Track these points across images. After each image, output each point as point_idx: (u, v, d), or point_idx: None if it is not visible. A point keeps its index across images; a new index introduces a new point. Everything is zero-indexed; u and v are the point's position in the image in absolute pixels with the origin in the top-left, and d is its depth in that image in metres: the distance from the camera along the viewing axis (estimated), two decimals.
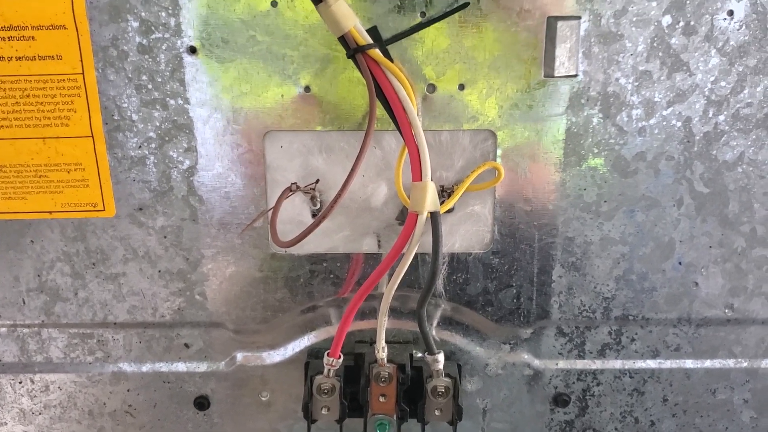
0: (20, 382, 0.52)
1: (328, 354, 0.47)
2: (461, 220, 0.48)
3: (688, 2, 0.43)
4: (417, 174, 0.42)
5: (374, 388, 0.48)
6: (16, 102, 0.45)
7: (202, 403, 0.52)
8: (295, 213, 0.47)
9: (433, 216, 0.42)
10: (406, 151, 0.42)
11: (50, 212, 0.47)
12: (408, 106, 0.41)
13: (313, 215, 0.48)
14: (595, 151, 0.46)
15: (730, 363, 0.52)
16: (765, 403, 0.53)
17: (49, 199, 0.47)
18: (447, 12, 0.42)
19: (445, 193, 0.46)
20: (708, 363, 0.52)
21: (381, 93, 0.42)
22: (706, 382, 0.53)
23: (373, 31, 0.43)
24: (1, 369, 0.52)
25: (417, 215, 0.42)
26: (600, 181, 0.47)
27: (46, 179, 0.46)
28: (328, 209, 0.41)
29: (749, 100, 0.45)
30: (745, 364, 0.52)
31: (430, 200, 0.42)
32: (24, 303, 0.50)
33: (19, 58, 0.44)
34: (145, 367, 0.52)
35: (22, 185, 0.47)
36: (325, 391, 0.48)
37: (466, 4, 0.41)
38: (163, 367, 0.52)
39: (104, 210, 0.47)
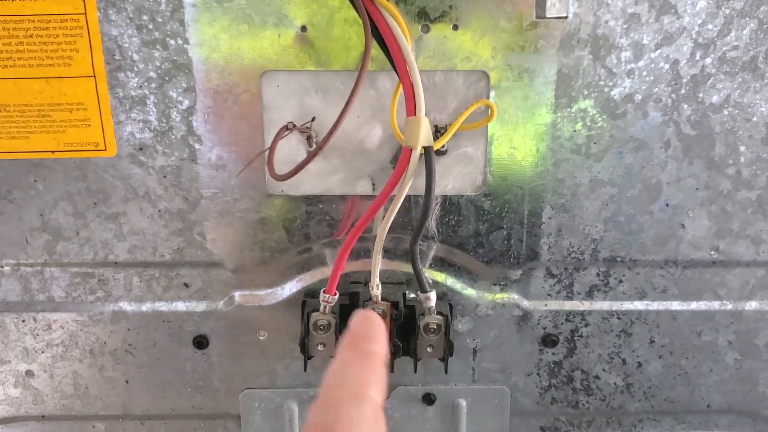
0: (23, 321, 0.53)
1: (323, 292, 0.48)
2: (454, 161, 0.49)
3: None
4: (411, 109, 0.43)
5: None
6: (20, 42, 0.45)
7: (200, 342, 0.53)
8: (291, 153, 0.48)
9: (427, 151, 0.43)
10: (401, 88, 0.43)
11: (53, 152, 0.48)
12: (402, 42, 0.42)
13: None
14: (585, 92, 0.47)
15: (716, 305, 0.53)
16: (748, 346, 0.54)
17: (51, 139, 0.48)
18: None
19: (438, 133, 0.47)
20: (694, 305, 0.53)
21: (376, 31, 0.42)
22: (691, 324, 0.54)
23: None
24: (4, 308, 0.52)
25: (410, 150, 0.43)
26: (590, 123, 0.47)
27: (49, 119, 0.47)
28: (323, 141, 0.42)
29: (736, 43, 0.46)
30: (729, 306, 0.53)
31: (424, 135, 0.43)
32: (27, 242, 0.50)
33: None
34: (145, 307, 0.53)
35: (26, 125, 0.47)
36: (322, 327, 0.49)
37: None
38: (162, 306, 0.53)
39: (105, 150, 0.48)
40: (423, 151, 0.43)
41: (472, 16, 0.45)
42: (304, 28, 0.45)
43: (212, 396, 0.56)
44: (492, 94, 0.46)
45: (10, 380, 0.55)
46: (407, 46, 0.42)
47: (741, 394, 0.56)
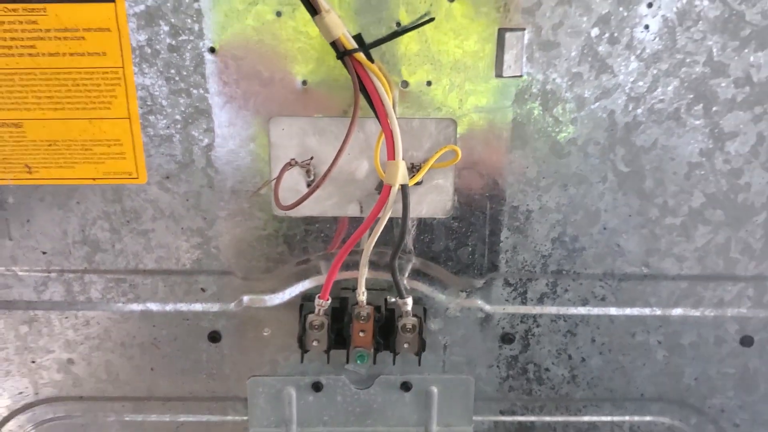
0: (66, 318, 0.60)
1: (318, 297, 0.55)
2: (427, 191, 0.56)
3: (612, 17, 0.51)
4: (391, 154, 0.50)
5: (355, 324, 0.56)
6: (68, 89, 0.52)
7: (214, 337, 0.60)
8: (293, 183, 0.55)
9: (403, 188, 0.51)
10: (384, 135, 0.51)
11: (93, 179, 0.55)
12: (385, 99, 0.49)
13: (308, 185, 0.56)
14: (536, 137, 0.54)
15: (647, 311, 0.60)
16: (675, 345, 0.61)
17: (92, 168, 0.55)
18: (416, 24, 0.50)
19: (414, 169, 0.54)
20: (628, 311, 0.60)
21: (364, 88, 0.50)
22: (627, 326, 0.60)
23: (358, 38, 0.50)
24: (50, 306, 0.59)
25: (390, 187, 0.51)
26: (540, 161, 0.55)
27: (90, 152, 0.54)
28: (320, 180, 0.51)
29: (662, 97, 0.53)
30: (658, 312, 0.60)
31: (401, 175, 0.50)
32: (70, 253, 0.58)
33: (71, 54, 0.51)
34: (168, 307, 0.60)
35: (71, 156, 0.54)
36: (316, 326, 0.56)
37: (431, 19, 0.50)
38: (183, 307, 0.60)
39: (138, 178, 0.55)
40: (401, 190, 0.52)
41: (443, 75, 0.52)
42: (305, 82, 0.53)
43: (223, 382, 0.63)
44: (459, 137, 0.54)
45: (54, 367, 0.62)
46: (389, 102, 0.50)
47: (669, 385, 0.63)
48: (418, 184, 0.56)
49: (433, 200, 0.57)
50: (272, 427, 0.64)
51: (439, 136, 0.55)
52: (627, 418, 0.65)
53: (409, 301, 0.56)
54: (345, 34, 0.49)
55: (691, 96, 0.54)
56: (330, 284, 0.55)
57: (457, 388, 0.63)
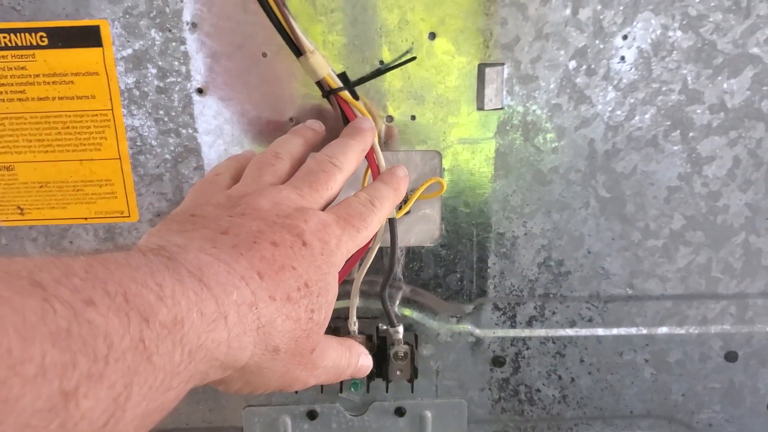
0: None
1: None
2: (416, 221, 0.58)
3: (589, 50, 0.53)
4: None
5: None
6: (59, 132, 0.54)
7: None
8: None
9: (391, 221, 0.52)
10: (370, 169, 0.53)
11: (86, 218, 0.57)
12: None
13: None
14: (519, 166, 0.56)
15: (633, 330, 0.62)
16: (661, 362, 0.63)
17: (84, 208, 0.57)
18: (399, 63, 0.52)
19: (402, 201, 0.57)
20: (615, 331, 0.62)
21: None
22: (614, 346, 0.62)
23: (342, 76, 0.52)
24: None
25: None
26: (523, 189, 0.57)
27: (82, 192, 0.56)
28: None
29: (639, 125, 0.55)
30: (644, 331, 0.62)
31: None
32: None
33: (61, 98, 0.53)
34: None
35: (63, 197, 0.56)
36: None
37: (413, 58, 0.52)
38: None
39: (129, 216, 0.57)
40: (388, 222, 0.53)
41: (426, 109, 0.54)
42: (291, 119, 0.55)
43: (220, 412, 0.64)
44: (444, 168, 0.57)
45: None
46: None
47: (657, 402, 0.65)
48: (406, 214, 0.58)
49: (421, 229, 0.59)
50: None
51: (425, 167, 0.56)
52: None
53: (400, 329, 0.58)
54: (330, 74, 0.50)
55: (668, 123, 0.56)
56: None
57: (451, 411, 0.64)
